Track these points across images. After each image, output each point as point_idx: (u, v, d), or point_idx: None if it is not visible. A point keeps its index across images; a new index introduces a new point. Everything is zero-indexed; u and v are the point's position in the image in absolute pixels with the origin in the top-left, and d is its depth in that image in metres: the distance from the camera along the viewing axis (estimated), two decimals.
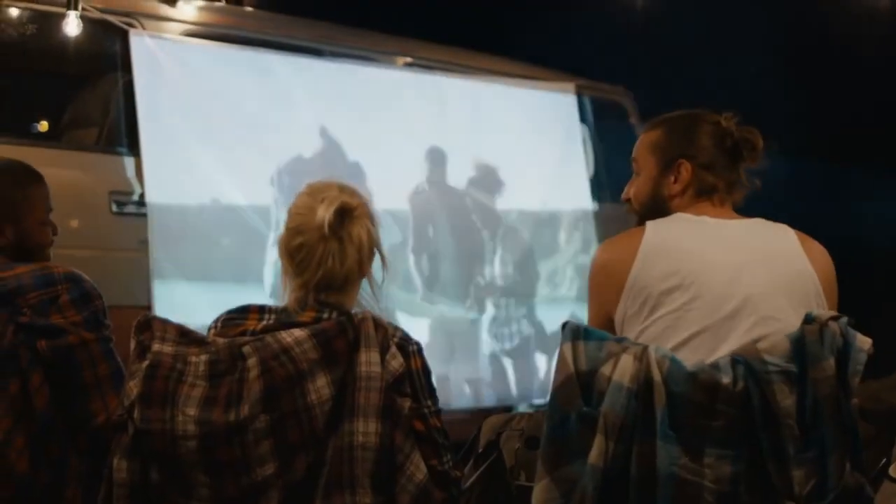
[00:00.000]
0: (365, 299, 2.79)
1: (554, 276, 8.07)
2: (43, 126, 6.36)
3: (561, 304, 7.94)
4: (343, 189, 2.76)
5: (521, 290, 7.78)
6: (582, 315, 7.11)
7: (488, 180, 7.72)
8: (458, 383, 7.40)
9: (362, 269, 2.75)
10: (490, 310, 7.60)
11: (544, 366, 7.63)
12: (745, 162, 2.96)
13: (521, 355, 7.67)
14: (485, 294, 7.60)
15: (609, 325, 2.82)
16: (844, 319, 2.60)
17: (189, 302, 5.89)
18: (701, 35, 8.93)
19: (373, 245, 2.76)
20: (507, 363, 7.63)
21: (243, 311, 2.75)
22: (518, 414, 3.28)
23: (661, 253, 2.78)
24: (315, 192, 2.75)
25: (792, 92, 8.80)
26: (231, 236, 6.35)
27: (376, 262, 2.80)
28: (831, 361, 2.53)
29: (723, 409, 2.52)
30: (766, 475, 2.52)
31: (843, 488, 2.51)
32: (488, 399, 7.39)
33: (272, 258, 6.19)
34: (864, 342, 2.57)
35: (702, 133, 2.96)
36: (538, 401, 7.25)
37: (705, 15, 8.98)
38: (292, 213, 2.75)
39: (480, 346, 7.56)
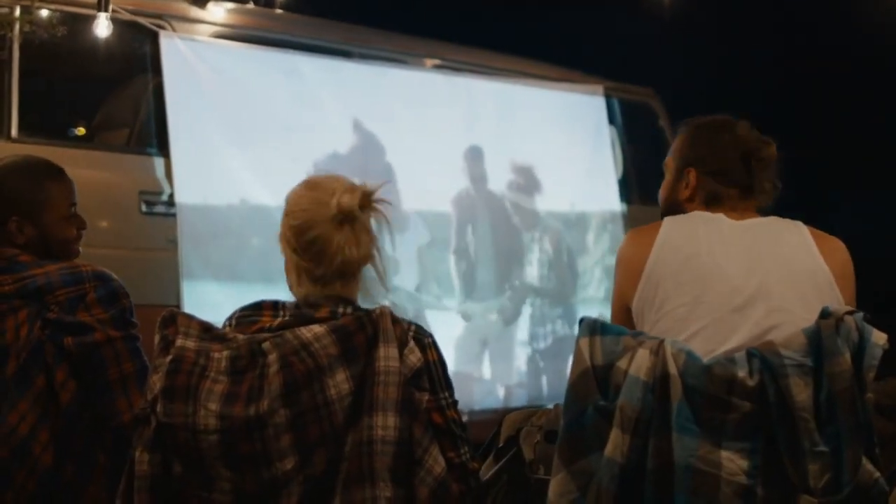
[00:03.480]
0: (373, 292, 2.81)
1: (582, 277, 8.08)
2: (75, 128, 6.41)
3: (589, 304, 7.95)
4: (343, 182, 2.76)
5: (550, 290, 7.79)
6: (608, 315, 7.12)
7: (517, 182, 7.74)
8: (489, 383, 7.43)
9: (374, 255, 2.77)
10: (521, 310, 7.62)
11: None
12: (755, 171, 2.99)
13: (551, 356, 7.68)
14: (516, 294, 7.61)
15: (627, 314, 2.88)
16: (860, 315, 2.61)
17: (217, 301, 5.93)
18: (728, 36, 8.92)
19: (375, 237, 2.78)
20: (538, 363, 7.64)
21: (257, 308, 2.78)
22: (538, 410, 3.30)
23: (675, 246, 2.82)
24: (317, 187, 2.75)
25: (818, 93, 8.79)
26: (259, 236, 6.38)
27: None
28: (847, 356, 2.54)
29: (738, 402, 2.53)
30: (782, 468, 2.53)
31: (858, 482, 2.52)
32: (519, 399, 7.41)
33: None
34: (879, 337, 2.58)
35: (716, 141, 3.01)
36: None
37: (733, 15, 8.97)
38: (296, 211, 2.74)
39: (513, 346, 7.58)
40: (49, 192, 3.21)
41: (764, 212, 3.00)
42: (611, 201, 8.17)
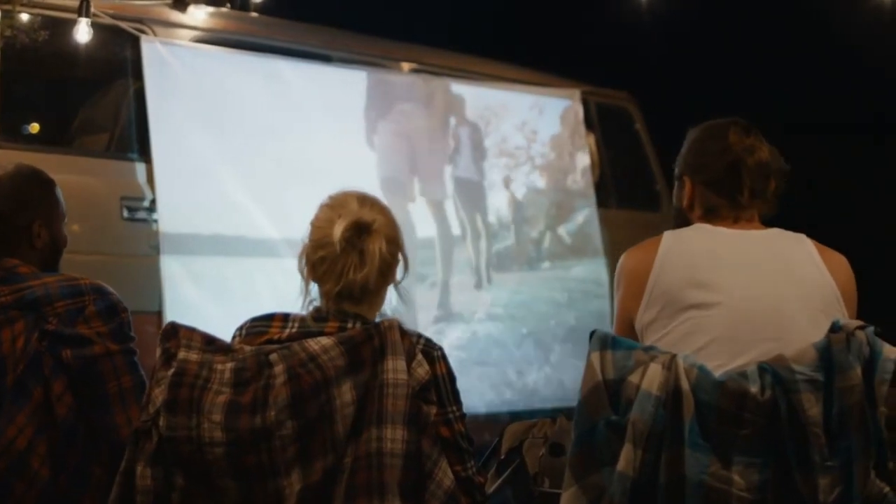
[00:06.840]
0: (391, 305, 2.81)
1: (560, 283, 8.08)
2: (54, 132, 6.36)
3: (568, 309, 7.96)
4: (363, 202, 2.77)
5: (527, 297, 7.80)
6: (592, 322, 7.15)
7: (494, 186, 7.76)
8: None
9: (384, 279, 2.77)
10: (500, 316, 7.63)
11: (553, 374, 7.66)
12: (746, 180, 2.91)
13: (528, 362, 7.69)
14: (495, 301, 7.63)
15: (630, 330, 2.85)
16: (871, 329, 2.62)
17: (200, 307, 5.91)
18: (708, 38, 8.94)
19: (394, 256, 2.77)
20: (513, 370, 7.64)
21: (268, 319, 2.77)
22: (539, 421, 3.29)
23: (678, 260, 2.81)
24: (335, 206, 2.77)
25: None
26: (242, 242, 6.35)
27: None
28: (858, 370, 2.54)
29: (750, 417, 2.53)
30: (792, 483, 2.53)
31: (867, 496, 2.53)
32: (505, 405, 7.42)
33: (283, 264, 6.21)
34: (891, 352, 2.58)
35: (704, 150, 2.97)
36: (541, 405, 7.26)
37: (713, 17, 9.00)
38: (314, 226, 2.77)
39: (491, 350, 7.58)
40: (58, 199, 3.27)
41: (768, 220, 2.96)
42: (587, 206, 8.17)
